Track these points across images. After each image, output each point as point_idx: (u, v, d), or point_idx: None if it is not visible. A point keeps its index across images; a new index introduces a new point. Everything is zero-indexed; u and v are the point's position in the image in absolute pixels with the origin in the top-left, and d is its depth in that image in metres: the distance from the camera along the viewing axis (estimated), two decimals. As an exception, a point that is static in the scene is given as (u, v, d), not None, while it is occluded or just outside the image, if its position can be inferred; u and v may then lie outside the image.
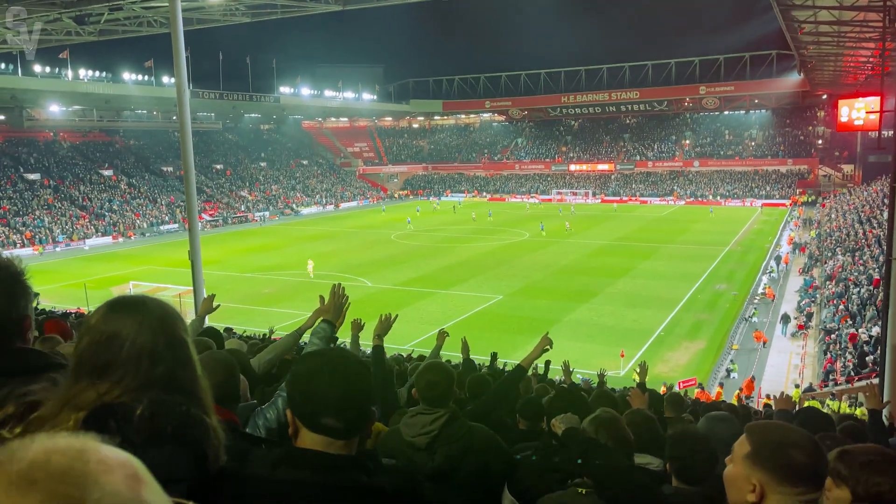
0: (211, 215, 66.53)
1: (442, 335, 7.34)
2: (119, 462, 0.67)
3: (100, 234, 56.73)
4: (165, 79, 65.60)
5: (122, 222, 59.81)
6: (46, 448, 0.63)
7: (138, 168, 72.49)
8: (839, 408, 17.70)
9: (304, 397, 1.68)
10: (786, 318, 29.02)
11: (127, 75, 66.36)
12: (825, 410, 16.68)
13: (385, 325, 4.77)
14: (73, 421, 1.47)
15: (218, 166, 79.99)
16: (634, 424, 3.70)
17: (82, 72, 63.22)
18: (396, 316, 4.93)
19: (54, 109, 68.35)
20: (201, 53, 65.76)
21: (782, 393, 5.13)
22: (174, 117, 58.21)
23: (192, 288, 17.85)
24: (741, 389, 21.33)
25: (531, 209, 73.68)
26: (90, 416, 1.48)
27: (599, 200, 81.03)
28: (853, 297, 27.64)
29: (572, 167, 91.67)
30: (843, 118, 37.80)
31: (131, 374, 1.56)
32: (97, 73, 65.10)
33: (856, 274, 30.76)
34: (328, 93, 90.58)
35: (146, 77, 67.16)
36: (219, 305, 5.83)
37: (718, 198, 76.84)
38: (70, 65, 58.01)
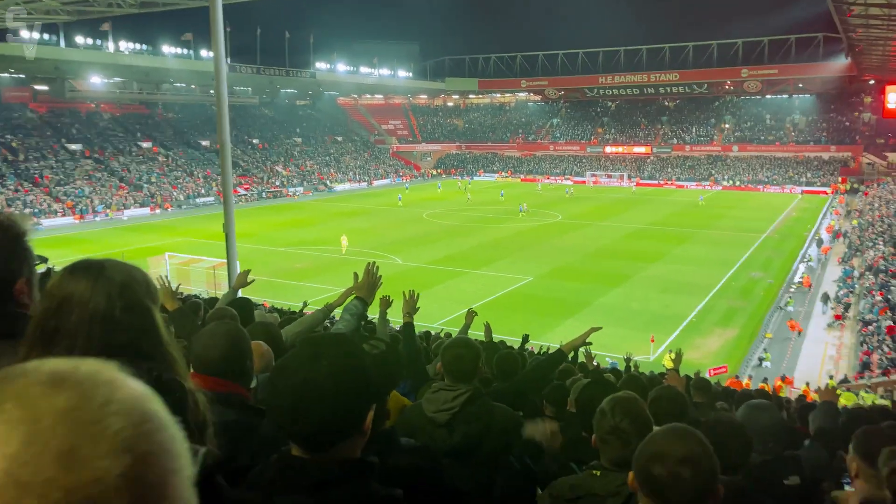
0: (246, 189, 67.29)
1: (470, 314, 7.34)
2: (135, 380, 0.68)
3: (138, 205, 57.80)
4: (204, 52, 66.21)
5: (159, 194, 60.83)
6: (68, 360, 0.66)
7: (176, 141, 73.48)
8: (873, 400, 17.38)
9: (266, 402, 1.55)
10: (825, 298, 28.73)
11: (166, 48, 67.16)
12: (860, 402, 16.41)
13: (411, 304, 4.76)
14: None
15: (254, 140, 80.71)
16: (664, 399, 3.66)
17: (123, 44, 64.12)
18: (418, 295, 4.94)
19: (96, 81, 69.46)
20: (239, 27, 66.25)
21: (827, 385, 4.99)
22: (211, 91, 58.74)
23: (225, 260, 18.11)
24: (778, 380, 21.03)
25: (543, 190, 73.71)
26: None
27: (635, 184, 79.80)
28: (893, 288, 26.98)
29: (608, 149, 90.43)
30: (891, 104, 36.65)
31: (82, 340, 1.45)
32: (137, 46, 66.05)
33: (897, 265, 30.00)
34: (364, 69, 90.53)
35: (185, 50, 67.94)
36: (253, 280, 5.91)
37: (758, 184, 75.32)
38: (111, 37, 58.85)
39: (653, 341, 24.00)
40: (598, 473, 2.48)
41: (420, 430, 2.93)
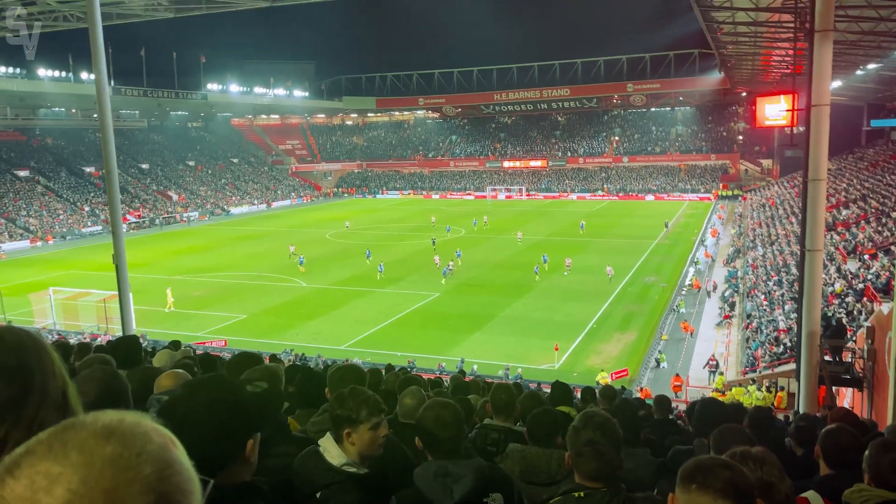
0: (137, 217, 64.27)
1: None
2: (162, 429, 0.88)
3: (16, 238, 54.04)
4: (84, 75, 62.88)
5: (40, 227, 57.12)
6: (116, 414, 0.84)
7: (57, 168, 69.38)
8: (753, 394, 18.55)
9: None
10: (724, 299, 31.40)
11: (43, 71, 63.26)
12: (746, 396, 17.43)
13: None
14: None
15: (143, 166, 77.30)
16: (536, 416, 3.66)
17: (-6, 67, 59.97)
18: None
19: (-37, 107, 64.73)
20: (123, 49, 63.46)
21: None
22: (95, 115, 55.73)
23: (117, 292, 17.23)
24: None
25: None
26: None
27: (524, 197, 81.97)
28: (772, 287, 28.91)
29: (506, 164, 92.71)
30: (761, 115, 39.35)
31: None
32: (10, 70, 61.86)
33: (775, 265, 32.19)
34: (258, 89, 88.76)
35: (64, 73, 64.25)
36: None
37: (647, 193, 79.09)
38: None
39: (557, 349, 24.63)
40: (582, 495, 2.45)
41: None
